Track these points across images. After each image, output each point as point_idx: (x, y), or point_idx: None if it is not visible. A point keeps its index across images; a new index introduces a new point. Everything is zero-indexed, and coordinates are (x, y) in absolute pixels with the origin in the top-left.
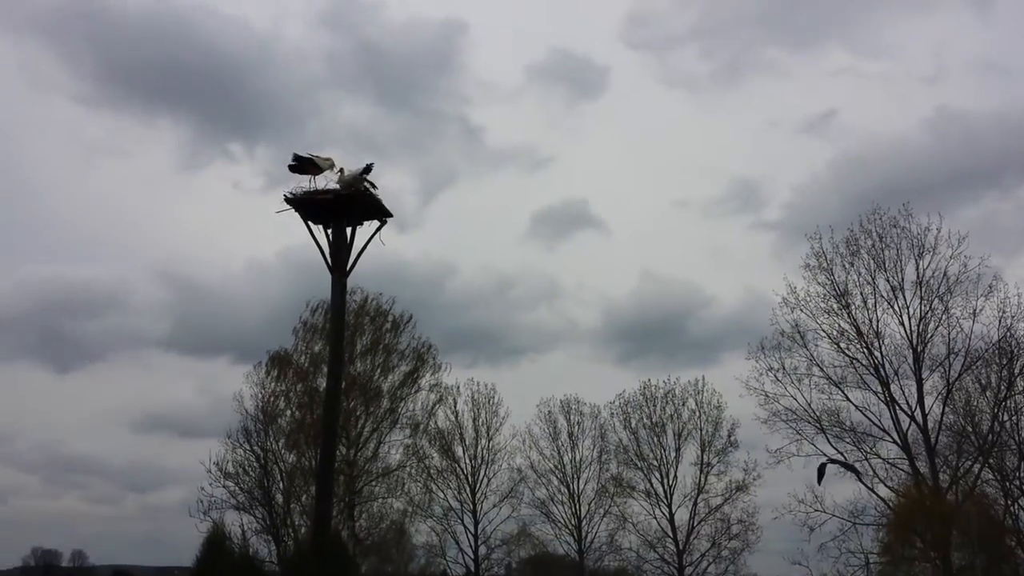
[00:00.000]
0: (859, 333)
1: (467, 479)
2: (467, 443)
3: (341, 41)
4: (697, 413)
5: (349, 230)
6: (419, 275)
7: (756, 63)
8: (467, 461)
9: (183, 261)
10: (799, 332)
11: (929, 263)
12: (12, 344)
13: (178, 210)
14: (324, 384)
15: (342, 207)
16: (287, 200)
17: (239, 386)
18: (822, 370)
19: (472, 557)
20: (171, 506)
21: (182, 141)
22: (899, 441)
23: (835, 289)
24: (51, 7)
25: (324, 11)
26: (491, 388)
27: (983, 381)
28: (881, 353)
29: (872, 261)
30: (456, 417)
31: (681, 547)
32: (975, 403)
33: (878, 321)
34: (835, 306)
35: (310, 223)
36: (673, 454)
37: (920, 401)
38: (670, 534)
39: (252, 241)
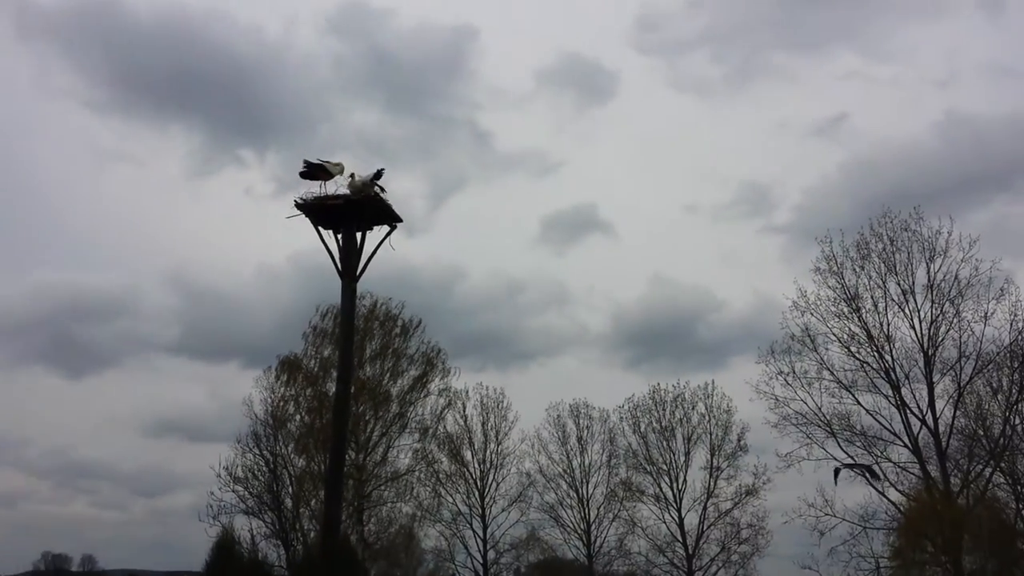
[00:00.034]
0: (870, 337)
1: (476, 483)
2: (476, 447)
3: (351, 47)
4: (707, 417)
5: (359, 235)
6: (428, 280)
7: (766, 67)
8: (476, 465)
9: (194, 266)
10: (809, 336)
11: (940, 266)
12: (24, 350)
13: (189, 216)
14: (334, 388)
15: (352, 212)
16: (298, 205)
17: (249, 391)
18: (832, 374)
19: (481, 561)
20: (181, 511)
21: (194, 147)
22: (910, 445)
23: (845, 293)
24: (64, 14)
25: (335, 18)
26: (500, 392)
27: (994, 385)
28: (892, 357)
29: (883, 264)
30: (465, 421)
31: (691, 552)
32: (986, 407)
33: (889, 325)
34: (845, 310)
35: (320, 228)
36: (683, 458)
37: (931, 405)
38: (679, 538)
39: (262, 246)
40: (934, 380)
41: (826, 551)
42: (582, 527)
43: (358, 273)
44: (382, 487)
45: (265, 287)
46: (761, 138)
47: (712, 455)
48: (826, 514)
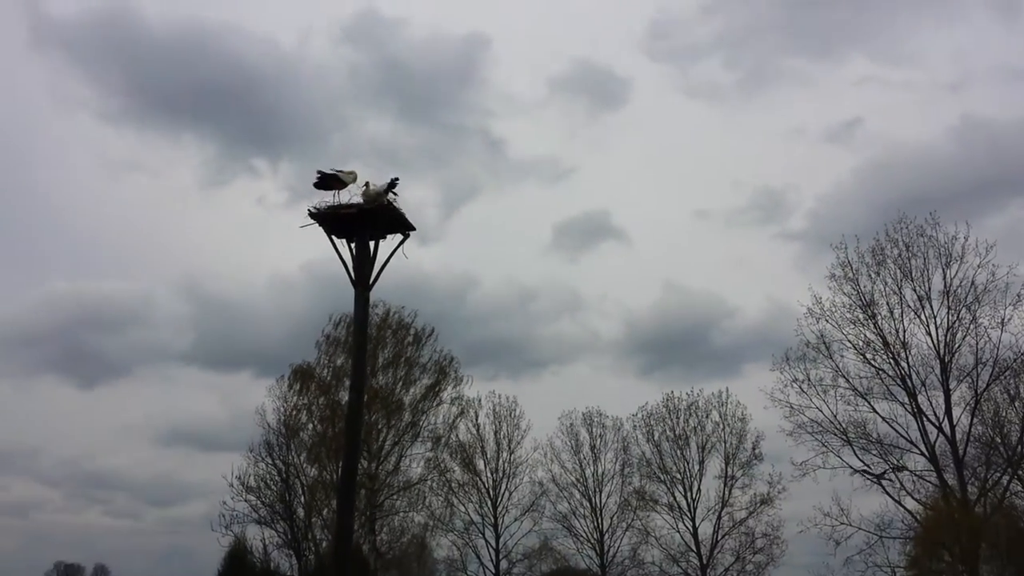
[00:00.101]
0: (885, 344)
1: (488, 492)
2: (488, 456)
3: (364, 57)
4: (721, 425)
5: (372, 244)
6: (441, 288)
7: (779, 72)
8: (488, 474)
9: (207, 276)
10: (824, 343)
11: (956, 272)
12: (37, 359)
13: (202, 225)
14: (346, 397)
15: (365, 221)
16: (311, 214)
17: (261, 400)
18: (848, 381)
19: (493, 571)
20: (193, 520)
21: (207, 157)
22: (926, 453)
23: (861, 299)
24: (79, 25)
25: (348, 28)
26: (512, 401)
27: (1012, 391)
28: (908, 364)
29: (898, 270)
30: (477, 430)
31: (705, 561)
32: (1004, 414)
33: (905, 331)
34: (861, 316)
35: (334, 237)
36: (697, 467)
37: (948, 412)
38: (694, 548)
39: (275, 255)
40: (951, 387)
41: (842, 561)
42: (595, 537)
43: (371, 282)
44: (394, 496)
45: (278, 296)
46: (774, 144)
47: (726, 464)
48: (842, 523)
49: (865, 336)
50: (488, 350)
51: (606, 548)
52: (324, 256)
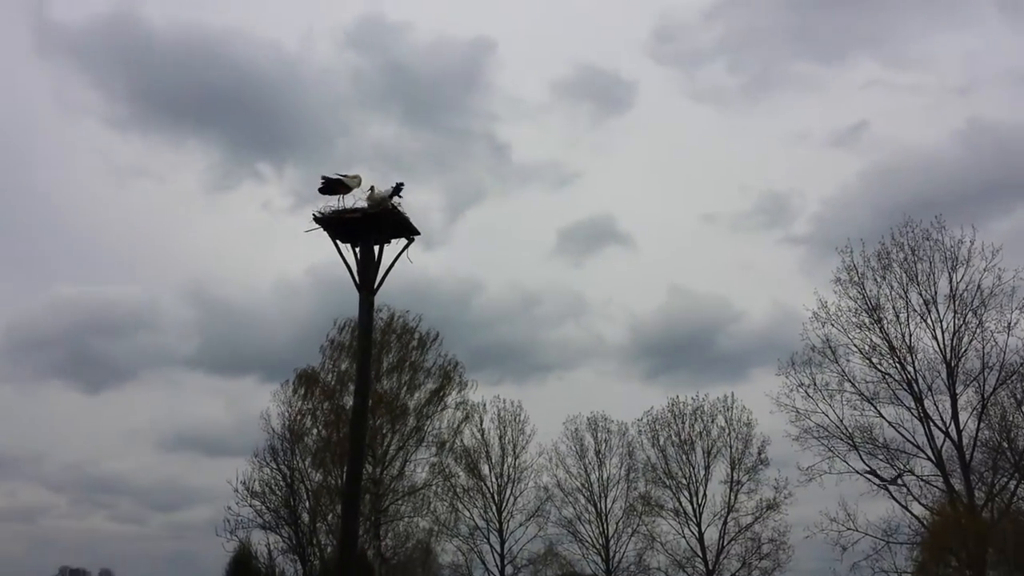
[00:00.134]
0: (891, 348)
1: (493, 498)
2: (493, 461)
3: (369, 61)
4: (727, 430)
5: (376, 248)
6: (445, 292)
7: (785, 76)
8: (493, 479)
9: (212, 280)
10: (830, 347)
11: (963, 276)
12: (43, 364)
13: (207, 230)
14: (351, 402)
15: (370, 225)
16: (316, 219)
17: (266, 404)
18: (854, 386)
19: None
20: (198, 525)
21: (212, 162)
22: (933, 458)
23: (867, 303)
24: (84, 31)
25: (352, 32)
26: (517, 405)
27: (1018, 396)
28: (914, 368)
29: (904, 274)
30: (482, 435)
31: (711, 567)
32: (1011, 418)
33: (911, 335)
34: (867, 320)
35: (338, 241)
36: (702, 472)
37: (954, 417)
38: (699, 554)
39: (281, 260)
40: (957, 392)
41: (848, 566)
42: (600, 542)
43: (376, 286)
44: (399, 501)
45: (283, 301)
46: (779, 148)
47: (732, 469)
48: (848, 529)
49: (871, 340)
50: (493, 355)
51: (612, 553)
52: (329, 260)
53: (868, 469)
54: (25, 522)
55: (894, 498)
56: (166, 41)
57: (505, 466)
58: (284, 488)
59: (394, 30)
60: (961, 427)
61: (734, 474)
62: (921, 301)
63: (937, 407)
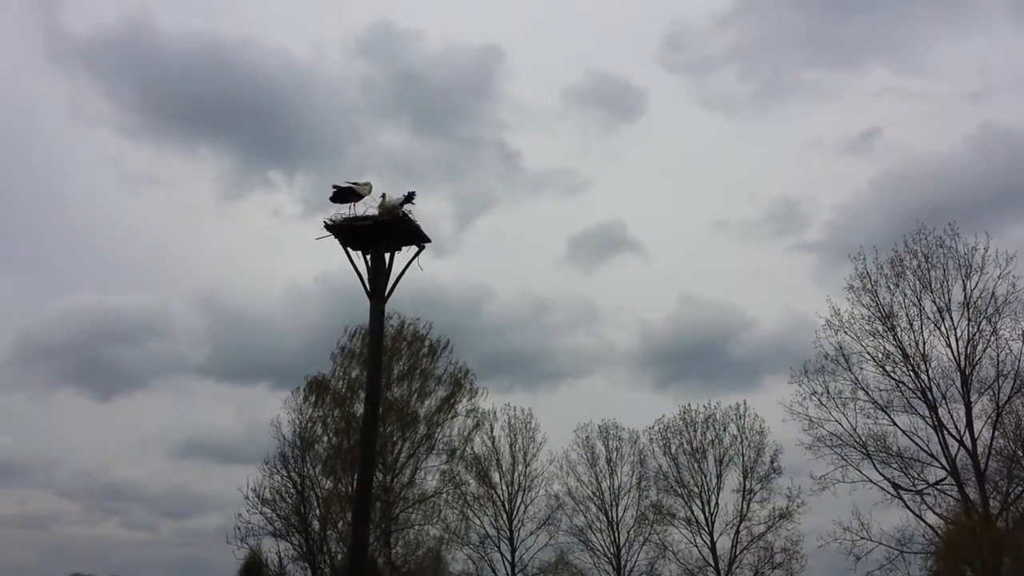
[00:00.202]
0: (905, 356)
1: (504, 506)
2: (504, 469)
3: (379, 69)
4: (739, 438)
5: (387, 256)
6: (456, 300)
7: (796, 83)
8: (504, 487)
9: (223, 288)
10: (843, 355)
11: (976, 283)
12: (56, 371)
13: (218, 238)
14: (361, 409)
15: (381, 233)
16: (327, 227)
17: (277, 412)
18: (867, 394)
19: None
20: (209, 532)
21: (224, 170)
22: (947, 467)
23: (880, 311)
24: (96, 40)
25: (363, 40)
26: (528, 413)
27: None
28: (928, 376)
29: (918, 282)
30: (493, 443)
31: None
32: None
33: (924, 343)
34: (880, 328)
35: (349, 249)
36: (714, 480)
37: (969, 425)
38: (712, 563)
39: (291, 267)
40: (972, 400)
41: None
42: (612, 551)
43: (386, 294)
44: (409, 509)
45: (294, 308)
46: (791, 155)
47: (745, 477)
48: (862, 538)
49: (884, 348)
50: (503, 362)
51: (623, 563)
52: (340, 268)
53: (894, 485)
54: (37, 529)
55: (908, 507)
56: (178, 50)
57: (516, 474)
58: (295, 495)
59: (404, 38)
60: (976, 436)
61: (746, 483)
62: (935, 309)
63: (951, 415)
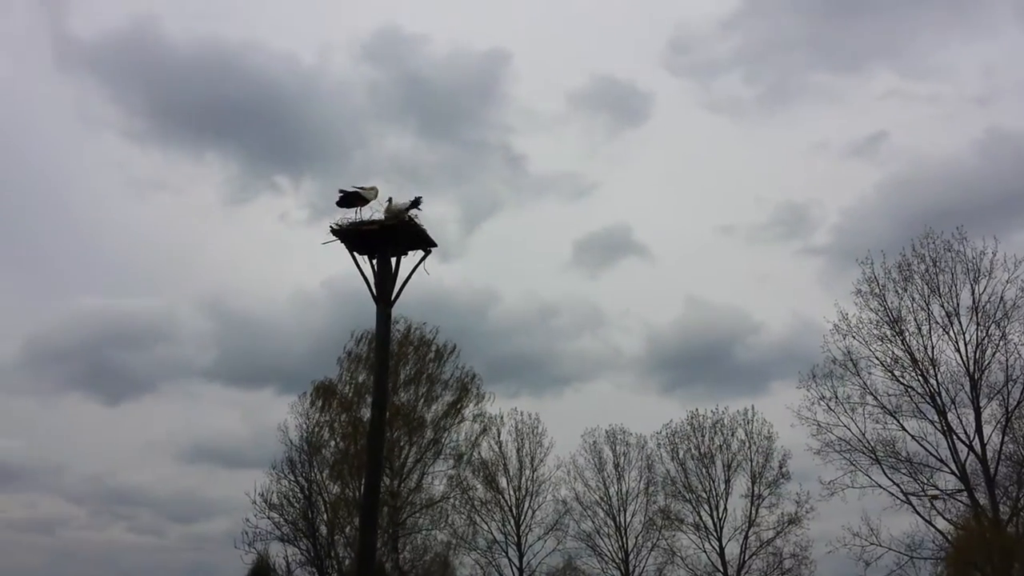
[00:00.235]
0: (914, 360)
1: (511, 511)
2: (511, 474)
3: (385, 74)
4: (747, 443)
5: (394, 260)
6: (462, 304)
7: (802, 87)
8: (511, 492)
9: (230, 292)
10: (851, 360)
11: (985, 288)
12: (64, 376)
13: (225, 242)
14: (368, 414)
15: (387, 237)
16: (333, 231)
17: (284, 416)
18: (876, 399)
19: None
20: (216, 537)
21: (230, 175)
22: (957, 472)
23: (888, 315)
24: (102, 45)
25: (368, 45)
26: (535, 418)
27: None
28: (937, 381)
29: (926, 286)
30: (500, 447)
31: None
32: None
33: (933, 348)
34: (888, 333)
35: (355, 253)
36: (722, 486)
37: (978, 430)
38: (720, 568)
39: (298, 272)
40: (981, 405)
41: None
42: (620, 556)
43: (393, 298)
44: (417, 514)
45: (300, 313)
46: (797, 159)
47: (753, 483)
48: (872, 543)
49: (893, 353)
50: (510, 366)
51: (631, 568)
52: (346, 272)
53: (904, 495)
54: (45, 533)
55: (918, 513)
56: (184, 55)
57: (523, 479)
58: (302, 500)
59: (410, 42)
60: (985, 441)
61: (755, 488)
62: (943, 313)
63: (961, 420)
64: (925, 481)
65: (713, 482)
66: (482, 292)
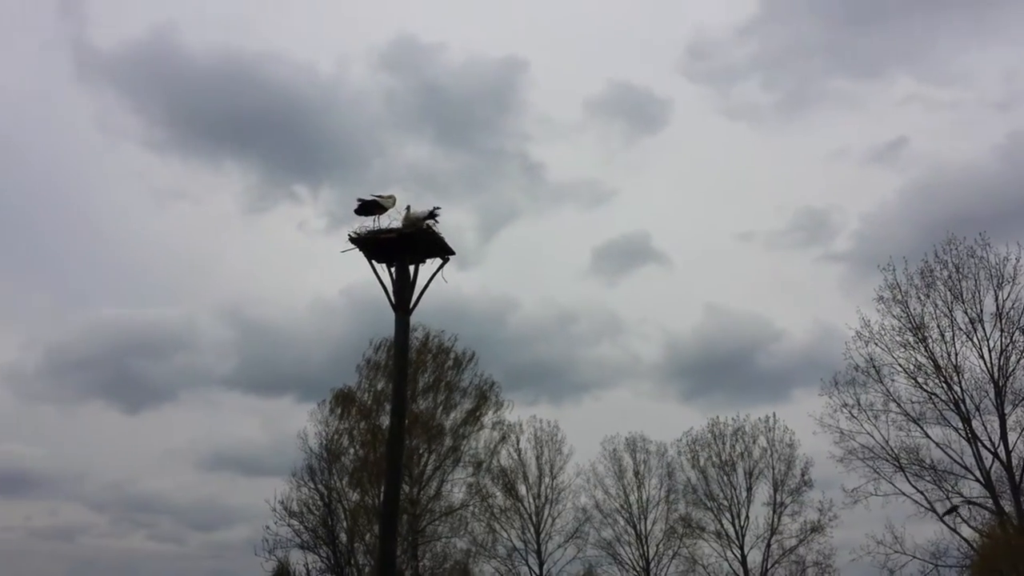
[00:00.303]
0: (937, 367)
1: (531, 518)
2: (531, 482)
3: (403, 83)
4: (768, 451)
5: (412, 268)
6: (480, 311)
7: (821, 93)
8: (531, 500)
9: (249, 301)
10: (874, 367)
11: (1009, 294)
12: (85, 384)
13: (245, 251)
14: (387, 422)
15: (405, 245)
16: (351, 239)
17: (304, 424)
18: (899, 406)
19: None
20: (237, 544)
21: (250, 184)
22: (982, 479)
23: (911, 322)
24: (123, 57)
25: (386, 54)
26: (554, 425)
27: None
28: (961, 388)
29: (949, 292)
30: (519, 455)
31: None
32: None
33: (957, 355)
34: (911, 339)
35: (374, 262)
36: (744, 494)
37: (1003, 437)
38: None
39: (317, 280)
40: (1006, 411)
41: None
42: (641, 564)
43: (411, 306)
44: (436, 522)
45: (319, 321)
46: (817, 165)
47: (775, 490)
48: (896, 551)
49: (916, 360)
50: (528, 374)
51: None
52: (364, 280)
53: (929, 503)
54: (66, 541)
55: (943, 520)
56: (203, 65)
57: (543, 487)
58: (322, 508)
59: (427, 51)
60: (1010, 447)
61: (777, 496)
62: (967, 320)
63: (985, 427)
64: (950, 488)
65: (735, 490)
66: (500, 300)
